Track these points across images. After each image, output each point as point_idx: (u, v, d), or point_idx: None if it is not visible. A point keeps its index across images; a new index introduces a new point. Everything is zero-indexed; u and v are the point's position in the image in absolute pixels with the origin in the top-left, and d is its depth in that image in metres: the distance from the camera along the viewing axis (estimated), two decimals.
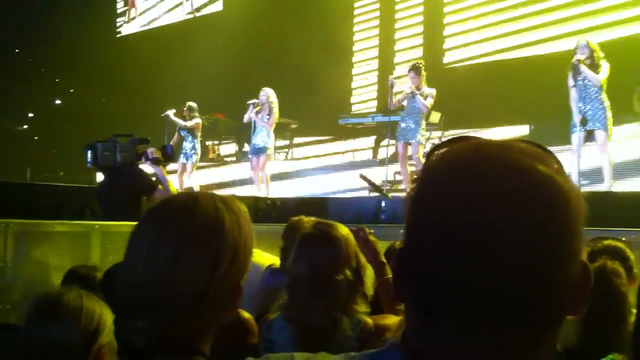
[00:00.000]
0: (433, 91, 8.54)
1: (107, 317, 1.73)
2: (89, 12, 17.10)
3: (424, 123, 8.65)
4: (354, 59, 14.65)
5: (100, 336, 1.70)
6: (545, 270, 0.71)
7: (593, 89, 7.14)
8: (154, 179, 5.46)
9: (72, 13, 16.65)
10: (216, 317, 1.24)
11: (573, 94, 7.26)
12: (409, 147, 8.56)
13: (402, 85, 8.83)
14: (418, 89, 8.47)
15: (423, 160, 8.47)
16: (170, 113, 10.92)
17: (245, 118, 9.80)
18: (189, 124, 10.63)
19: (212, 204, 1.24)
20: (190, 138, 10.67)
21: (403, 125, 8.59)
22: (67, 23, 16.56)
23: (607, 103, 7.15)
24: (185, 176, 10.47)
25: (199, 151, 10.74)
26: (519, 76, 11.31)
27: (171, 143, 9.93)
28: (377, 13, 14.53)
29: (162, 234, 1.20)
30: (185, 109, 10.81)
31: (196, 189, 10.10)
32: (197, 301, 1.18)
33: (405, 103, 8.65)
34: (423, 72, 8.56)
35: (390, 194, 7.38)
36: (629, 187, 8.03)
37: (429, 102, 8.47)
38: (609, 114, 7.13)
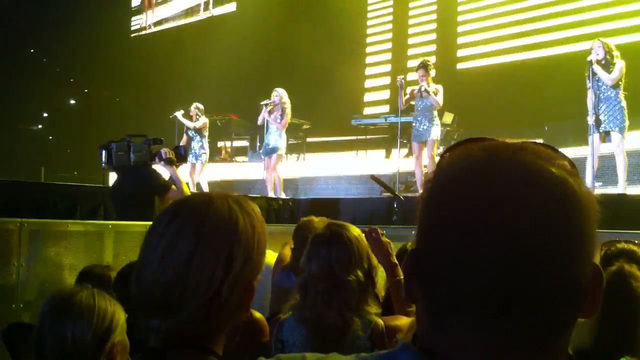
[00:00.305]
0: (440, 87, 8.53)
1: (120, 316, 1.74)
2: (104, 13, 17.20)
3: (438, 119, 8.62)
4: (367, 61, 14.66)
5: (112, 335, 1.71)
6: (558, 272, 0.71)
7: (607, 89, 7.10)
8: (167, 179, 5.49)
9: (87, 13, 16.76)
10: (229, 318, 1.24)
11: (590, 94, 7.23)
12: (424, 146, 8.54)
13: (412, 86, 8.79)
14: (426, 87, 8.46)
15: (437, 159, 8.46)
16: (179, 114, 10.97)
17: (259, 120, 9.82)
18: (197, 124, 10.67)
19: (226, 204, 1.25)
20: (198, 138, 10.71)
21: (417, 125, 8.57)
22: (82, 23, 16.68)
23: (623, 103, 7.10)
24: (196, 176, 10.50)
25: (207, 150, 10.76)
26: (533, 77, 11.27)
27: (181, 144, 9.99)
28: (391, 15, 14.54)
29: (177, 235, 1.20)
30: (192, 109, 10.85)
31: (205, 188, 10.12)
32: (211, 301, 1.19)
33: (415, 103, 8.62)
34: (431, 70, 8.54)
35: (402, 195, 7.37)
36: None
37: (440, 97, 8.45)
38: (625, 114, 7.08)
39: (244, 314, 1.28)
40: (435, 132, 8.50)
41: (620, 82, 7.12)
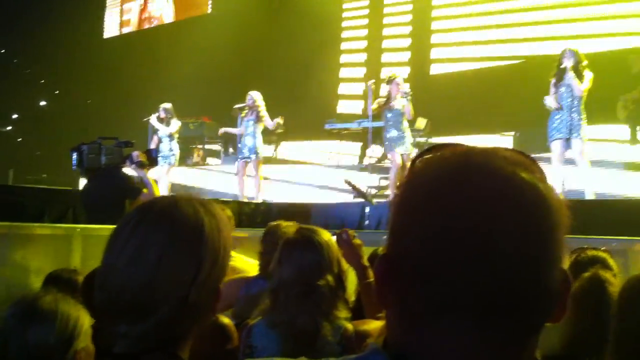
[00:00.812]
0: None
1: (84, 321, 1.71)
2: (76, 14, 17.02)
3: (408, 130, 8.71)
4: (341, 65, 14.70)
5: (76, 341, 1.68)
6: (530, 277, 0.71)
7: (574, 97, 7.19)
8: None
9: (59, 14, 16.57)
10: (196, 321, 1.23)
11: (551, 98, 7.32)
12: (402, 156, 8.60)
13: (383, 91, 8.87)
14: (393, 99, 8.54)
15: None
16: (153, 118, 10.75)
17: (238, 127, 9.80)
18: (171, 130, 10.48)
19: (191, 207, 1.23)
20: (167, 140, 10.56)
21: (390, 135, 8.62)
22: (54, 24, 16.49)
23: (584, 114, 7.23)
24: (163, 178, 10.33)
25: (176, 152, 10.62)
26: (504, 84, 11.39)
27: (153, 146, 9.88)
28: (366, 20, 14.60)
29: (144, 239, 1.19)
30: (161, 111, 10.64)
31: (166, 190, 9.91)
32: (179, 305, 1.17)
33: (386, 114, 8.67)
34: (401, 84, 8.63)
35: (375, 200, 7.40)
36: (611, 195, 8.10)
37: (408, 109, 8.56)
38: (585, 124, 7.21)
39: (211, 316, 1.27)
40: (408, 146, 8.59)
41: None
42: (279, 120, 9.65)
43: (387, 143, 8.69)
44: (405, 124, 8.66)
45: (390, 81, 8.69)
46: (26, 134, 17.69)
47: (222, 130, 11.14)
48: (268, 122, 9.61)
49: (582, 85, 7.16)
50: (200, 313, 1.22)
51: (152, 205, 1.26)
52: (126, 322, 1.18)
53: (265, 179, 9.94)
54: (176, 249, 1.18)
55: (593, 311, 2.09)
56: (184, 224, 1.21)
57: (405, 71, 13.08)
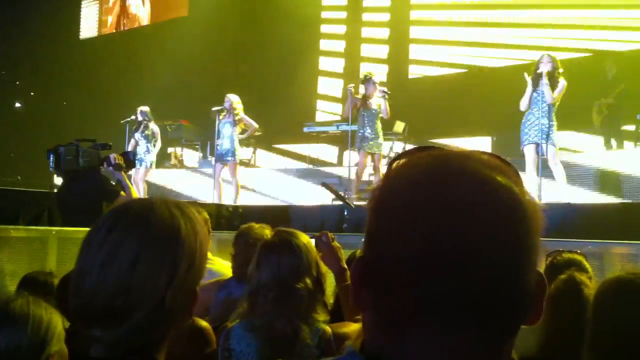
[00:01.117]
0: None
1: (58, 324, 1.69)
2: (52, 15, 16.84)
3: (381, 130, 8.75)
4: (320, 68, 14.70)
5: (49, 345, 1.65)
6: (506, 280, 0.72)
7: (546, 104, 7.27)
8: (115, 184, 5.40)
9: (35, 15, 16.38)
10: (173, 324, 1.22)
11: (524, 101, 7.40)
12: (371, 156, 8.65)
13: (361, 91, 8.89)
14: (369, 97, 8.58)
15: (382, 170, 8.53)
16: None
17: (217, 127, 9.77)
18: (156, 141, 10.48)
19: (167, 210, 1.23)
20: (144, 142, 10.49)
21: (363, 134, 8.66)
22: (29, 25, 16.30)
23: (555, 121, 7.32)
24: (139, 180, 10.24)
25: (153, 155, 10.55)
26: (481, 88, 11.47)
27: (130, 149, 9.81)
28: (344, 25, 14.62)
29: (118, 242, 1.18)
30: (139, 115, 10.56)
31: (142, 193, 9.84)
32: (155, 309, 1.16)
33: (361, 113, 8.70)
34: (377, 83, 8.68)
35: (354, 203, 7.40)
36: (586, 199, 8.19)
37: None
38: (556, 129, 7.29)
39: (188, 321, 1.26)
40: (380, 146, 8.66)
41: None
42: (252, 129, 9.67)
43: (358, 142, 8.73)
44: (379, 124, 8.70)
45: (366, 80, 8.73)
46: (0, 135, 17.45)
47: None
48: (248, 121, 9.59)
49: (555, 92, 7.24)
50: (176, 316, 1.21)
51: (127, 208, 1.25)
52: (100, 327, 1.16)
53: (243, 187, 9.90)
54: (151, 252, 1.17)
55: (569, 313, 2.10)
56: (159, 226, 1.20)
57: (384, 74, 13.14)
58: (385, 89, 8.74)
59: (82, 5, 18.60)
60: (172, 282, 1.17)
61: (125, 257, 1.16)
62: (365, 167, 8.73)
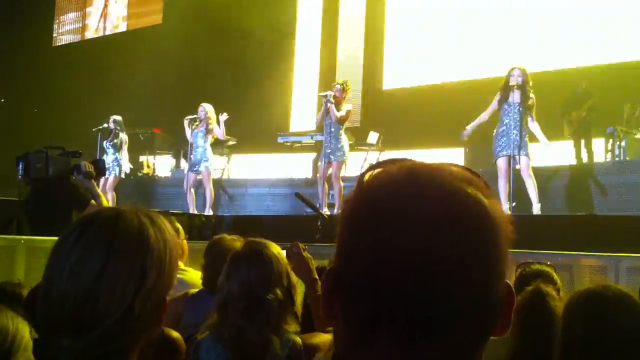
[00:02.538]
0: (350, 106, 8.70)
1: (24, 334, 1.66)
2: (24, 20, 16.65)
3: (343, 138, 8.69)
4: (294, 78, 14.70)
5: (14, 355, 1.63)
6: (472, 291, 0.72)
7: (519, 115, 7.35)
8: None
9: (6, 21, 16.20)
10: (142, 333, 1.21)
11: (489, 111, 7.51)
12: (330, 166, 8.60)
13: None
14: (337, 103, 8.55)
15: (340, 181, 8.53)
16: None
17: (188, 136, 9.72)
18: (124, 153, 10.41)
19: (136, 218, 1.22)
20: (112, 150, 10.42)
21: (325, 143, 8.65)
22: (0, 31, 16.10)
23: (528, 132, 7.44)
24: (108, 188, 10.15)
25: (123, 163, 10.47)
26: (454, 100, 11.57)
27: (103, 157, 9.73)
28: (319, 34, 14.65)
29: (86, 250, 1.17)
30: (111, 123, 10.48)
31: (111, 202, 9.73)
32: (124, 317, 1.16)
33: (324, 121, 8.68)
34: (347, 90, 8.66)
35: (326, 213, 7.41)
36: (556, 211, 8.29)
37: (341, 113, 8.52)
38: (528, 142, 7.41)
39: (158, 330, 1.25)
40: (341, 154, 8.57)
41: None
42: (224, 116, 9.56)
43: (323, 150, 8.70)
44: (342, 132, 8.64)
45: (336, 85, 8.74)
46: None
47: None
48: (218, 132, 9.57)
49: (534, 118, 7.36)
50: (146, 325, 1.20)
51: (95, 216, 1.24)
52: (69, 335, 1.15)
53: (220, 194, 9.87)
54: (119, 260, 1.17)
55: (535, 325, 2.13)
56: (127, 234, 1.19)
57: (358, 85, 13.20)
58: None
59: (55, 12, 18.42)
60: (140, 290, 1.17)
61: (92, 266, 1.16)
62: (325, 175, 8.63)
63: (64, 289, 1.15)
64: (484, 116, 7.64)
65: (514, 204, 7.32)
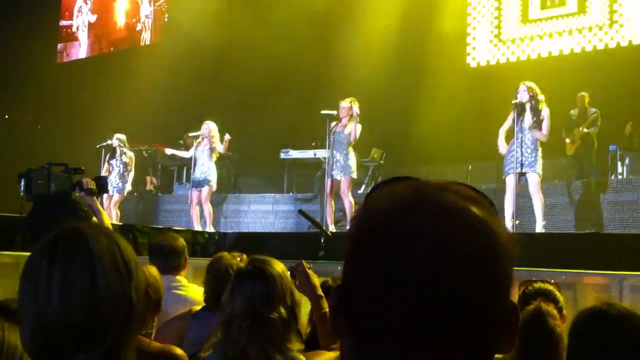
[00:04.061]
0: (360, 126, 8.60)
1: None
2: (28, 37, 16.75)
3: (353, 156, 8.65)
4: (298, 93, 14.71)
5: None
6: (477, 309, 0.73)
7: (525, 133, 7.34)
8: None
9: (10, 37, 16.30)
10: (140, 322, 1.30)
11: (504, 130, 7.49)
12: (339, 182, 8.55)
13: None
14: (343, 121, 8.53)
15: (350, 197, 8.46)
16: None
17: (189, 153, 9.76)
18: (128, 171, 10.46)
19: (91, 227, 1.29)
20: (119, 168, 10.42)
21: (334, 158, 8.58)
22: (4, 47, 16.20)
23: (540, 150, 7.39)
24: (112, 206, 10.16)
25: (128, 182, 10.48)
26: (458, 118, 11.58)
27: (103, 174, 9.75)
28: (321, 49, 14.65)
29: (68, 265, 1.20)
30: (114, 140, 10.50)
31: (115, 219, 9.70)
32: (127, 313, 1.21)
33: (331, 137, 8.61)
34: (354, 106, 8.62)
35: (330, 231, 7.40)
36: (561, 229, 8.28)
37: (356, 133, 8.48)
38: (540, 158, 7.37)
39: (148, 313, 1.33)
40: (350, 171, 8.53)
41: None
42: (228, 137, 9.60)
43: (328, 167, 8.67)
44: (350, 149, 8.61)
45: (345, 102, 8.70)
46: None
47: (169, 151, 11.11)
48: (220, 148, 9.59)
49: (544, 130, 7.32)
50: (140, 312, 1.26)
51: (57, 236, 1.27)
52: (83, 349, 1.17)
53: (225, 214, 9.86)
54: (102, 260, 1.20)
55: (535, 344, 2.13)
56: (97, 239, 1.23)
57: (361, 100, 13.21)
58: (356, 110, 8.60)
59: (59, 29, 18.54)
60: (131, 280, 1.23)
61: (82, 276, 1.18)
62: (331, 193, 8.58)
63: (60, 312, 1.16)
64: (501, 131, 7.59)
65: (517, 222, 7.29)
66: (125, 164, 10.44)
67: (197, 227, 9.21)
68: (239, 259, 3.08)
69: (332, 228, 8.18)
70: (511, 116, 7.47)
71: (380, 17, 12.63)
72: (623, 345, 1.85)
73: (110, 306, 1.17)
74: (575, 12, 11.61)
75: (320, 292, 2.59)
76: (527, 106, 7.37)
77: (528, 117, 7.36)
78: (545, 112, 7.37)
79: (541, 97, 7.44)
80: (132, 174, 10.56)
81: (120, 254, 1.23)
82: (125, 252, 1.25)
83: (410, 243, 0.73)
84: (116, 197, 10.22)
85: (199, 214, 9.52)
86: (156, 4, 16.83)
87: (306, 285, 2.53)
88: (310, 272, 2.61)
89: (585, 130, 9.64)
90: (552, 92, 8.69)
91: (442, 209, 0.75)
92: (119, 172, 10.37)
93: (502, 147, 7.58)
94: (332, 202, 8.57)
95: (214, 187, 9.67)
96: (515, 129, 7.38)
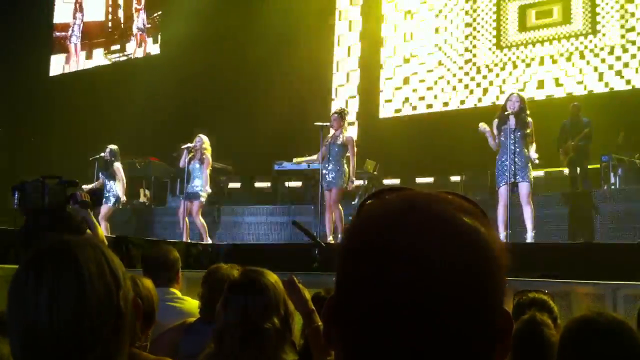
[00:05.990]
0: (353, 138, 8.63)
1: None
2: (21, 51, 16.75)
3: (346, 168, 8.65)
4: (289, 106, 14.72)
5: None
6: (470, 319, 0.73)
7: (516, 142, 7.36)
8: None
9: (3, 51, 16.29)
10: (129, 332, 1.27)
11: (490, 139, 7.52)
12: (329, 192, 8.57)
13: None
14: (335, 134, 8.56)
15: (340, 206, 8.46)
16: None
17: (181, 163, 9.75)
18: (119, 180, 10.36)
19: (80, 240, 1.28)
20: (107, 180, 10.36)
21: (325, 172, 8.62)
22: None
23: (529, 158, 7.43)
24: (102, 218, 10.07)
25: (117, 193, 10.41)
26: (451, 128, 11.63)
27: (98, 186, 9.71)
28: (317, 61, 14.71)
29: (55, 278, 1.19)
30: (107, 153, 10.44)
31: (106, 232, 9.63)
32: (115, 322, 1.21)
33: (325, 149, 8.63)
34: (345, 119, 8.67)
35: (323, 242, 7.38)
36: (553, 239, 8.28)
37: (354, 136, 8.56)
38: (531, 167, 7.41)
39: (138, 323, 1.32)
40: (342, 182, 8.54)
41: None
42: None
43: (322, 179, 8.68)
44: (343, 162, 8.61)
45: (336, 114, 8.75)
46: None
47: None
48: (210, 160, 9.58)
49: (533, 147, 7.37)
50: (129, 322, 1.25)
51: (41, 250, 1.26)
52: (80, 357, 1.18)
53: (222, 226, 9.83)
54: (89, 270, 1.20)
55: (530, 353, 2.13)
56: (81, 249, 1.23)
57: (354, 113, 13.28)
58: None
59: (53, 42, 18.52)
60: (120, 289, 1.22)
61: (69, 287, 1.18)
62: (329, 203, 8.59)
63: (50, 324, 1.16)
64: (490, 141, 7.61)
65: (509, 231, 7.29)
66: (110, 175, 10.35)
67: (187, 239, 9.20)
68: (235, 270, 3.07)
69: (330, 239, 8.21)
70: (494, 126, 7.51)
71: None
72: (612, 355, 1.86)
73: (99, 316, 1.18)
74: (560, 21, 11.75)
75: (311, 305, 2.58)
76: (515, 117, 7.38)
77: (516, 127, 7.39)
78: (530, 123, 7.43)
79: (527, 111, 7.49)
80: (119, 184, 10.41)
81: (107, 264, 1.23)
82: (112, 262, 1.24)
83: (401, 255, 0.73)
84: (104, 209, 10.10)
85: (188, 227, 9.50)
86: (149, 18, 16.87)
87: (297, 299, 2.53)
88: (300, 286, 2.60)
89: (579, 142, 9.66)
90: (543, 102, 8.76)
91: (434, 219, 0.75)
92: (108, 184, 10.31)
93: (493, 143, 7.62)
94: (330, 212, 8.58)
95: (204, 202, 9.65)
96: (504, 139, 7.40)
